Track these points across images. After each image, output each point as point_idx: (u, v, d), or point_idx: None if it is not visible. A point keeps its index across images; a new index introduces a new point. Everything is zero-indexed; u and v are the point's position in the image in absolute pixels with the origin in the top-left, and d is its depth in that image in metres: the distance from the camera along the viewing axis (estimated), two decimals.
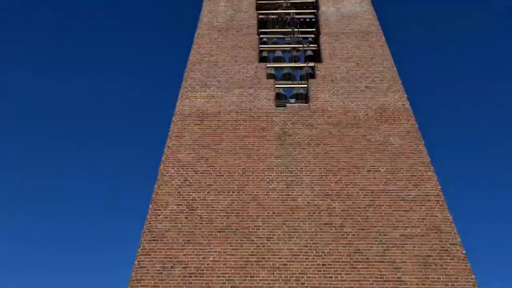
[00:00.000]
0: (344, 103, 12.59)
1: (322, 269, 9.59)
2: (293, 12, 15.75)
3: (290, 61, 14.83)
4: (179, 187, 10.89)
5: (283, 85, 13.65)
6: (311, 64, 13.96)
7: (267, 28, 15.65)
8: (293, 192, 10.77)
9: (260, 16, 15.43)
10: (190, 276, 9.54)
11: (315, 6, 15.58)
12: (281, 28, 15.67)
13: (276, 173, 11.13)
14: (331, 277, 9.49)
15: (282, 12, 15.77)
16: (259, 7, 15.61)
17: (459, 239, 9.96)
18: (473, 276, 9.46)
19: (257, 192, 10.78)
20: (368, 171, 11.12)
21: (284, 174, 11.11)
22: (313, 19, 15.55)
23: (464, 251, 9.78)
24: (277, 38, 15.60)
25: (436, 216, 10.31)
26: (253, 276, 9.51)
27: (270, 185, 10.92)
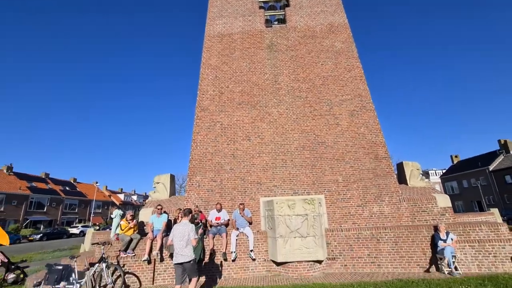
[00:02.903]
0: (307, 22, 11.39)
1: (295, 120, 9.80)
2: None
3: None
4: (212, 81, 10.54)
5: (269, 13, 12.13)
6: None
7: None
8: (278, 80, 10.44)
9: None
10: (224, 128, 9.82)
11: None
12: None
13: (268, 69, 10.64)
14: (300, 124, 9.74)
15: None
16: None
17: (371, 100, 9.93)
18: (377, 119, 9.70)
19: (258, 81, 10.46)
20: (322, 64, 10.60)
21: (273, 69, 10.63)
22: None
23: (373, 106, 9.84)
24: None
25: (359, 88, 10.14)
26: (258, 127, 9.78)
27: (264, 76, 10.53)
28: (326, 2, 11.71)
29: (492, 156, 37.82)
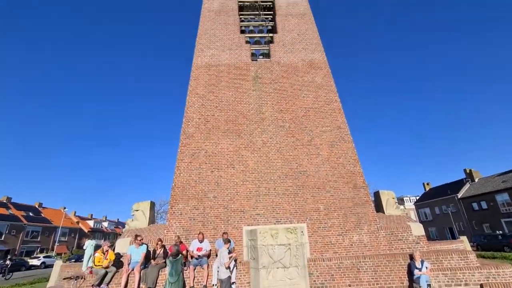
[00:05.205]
0: (290, 58, 12.25)
1: (278, 150, 10.13)
2: (259, 1, 14.32)
3: (258, 33, 13.84)
4: (198, 108, 10.79)
5: (255, 48, 12.94)
6: (271, 34, 13.16)
7: (244, 11, 14.25)
8: (262, 110, 10.91)
9: (239, 3, 14.01)
10: (209, 156, 9.93)
11: None
12: (252, 11, 14.36)
13: (253, 99, 11.12)
14: (283, 153, 10.08)
15: (253, 1, 14.31)
16: None
17: (349, 132, 10.58)
18: (355, 150, 10.27)
19: (243, 110, 10.85)
20: (303, 97, 11.28)
21: (257, 99, 11.12)
22: (271, 5, 14.28)
23: (351, 138, 10.46)
24: (250, 18, 14.32)
25: (338, 120, 10.80)
26: (243, 155, 10.00)
27: (249, 106, 10.97)
28: (307, 41, 12.74)
29: (459, 184, 40.30)
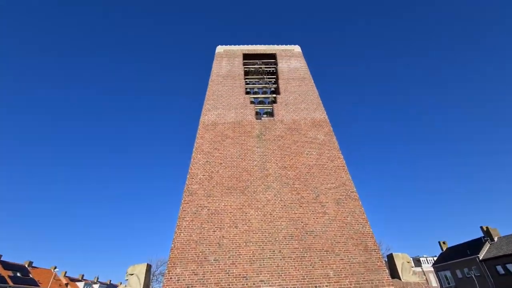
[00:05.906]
0: (292, 116, 12.83)
1: (283, 208, 9.83)
2: (263, 67, 15.77)
3: (262, 94, 14.89)
4: (203, 165, 10.88)
5: (259, 107, 13.73)
6: (274, 95, 14.12)
7: (249, 75, 15.62)
8: (266, 166, 10.93)
9: (245, 69, 15.42)
10: (211, 214, 9.62)
11: (275, 63, 15.68)
12: (257, 75, 15.72)
13: (257, 156, 11.25)
14: (288, 211, 9.75)
15: (257, 67, 15.77)
16: (244, 64, 15.55)
17: (355, 189, 10.37)
18: (362, 209, 9.91)
19: (247, 167, 10.88)
20: (306, 154, 11.39)
21: (261, 156, 11.25)
22: (274, 70, 15.64)
23: (358, 196, 10.20)
24: (255, 81, 15.58)
25: (343, 177, 10.69)
26: (246, 213, 9.67)
27: (254, 162, 11.04)
28: (309, 101, 13.51)
29: (478, 243, 37.41)
